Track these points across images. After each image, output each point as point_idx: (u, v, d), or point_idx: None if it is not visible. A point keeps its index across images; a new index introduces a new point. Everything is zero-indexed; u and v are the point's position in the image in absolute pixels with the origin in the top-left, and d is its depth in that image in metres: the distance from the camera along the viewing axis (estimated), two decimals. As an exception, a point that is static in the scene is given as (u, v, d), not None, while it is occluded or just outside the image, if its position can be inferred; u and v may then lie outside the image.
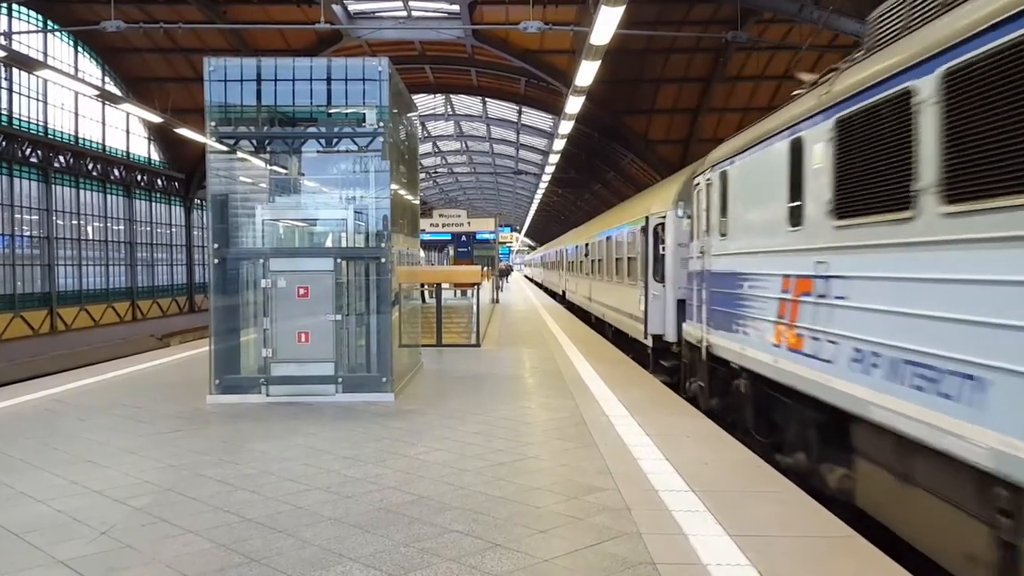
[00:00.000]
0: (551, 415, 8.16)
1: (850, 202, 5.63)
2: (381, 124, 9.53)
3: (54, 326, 28.73)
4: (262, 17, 25.52)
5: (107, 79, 32.49)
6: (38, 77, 26.57)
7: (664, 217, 12.89)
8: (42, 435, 7.36)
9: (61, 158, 29.70)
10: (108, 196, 33.33)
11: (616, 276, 17.68)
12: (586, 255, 24.85)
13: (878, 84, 5.20)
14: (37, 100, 28.56)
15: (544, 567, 4.12)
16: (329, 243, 10.53)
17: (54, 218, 29.07)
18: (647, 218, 13.73)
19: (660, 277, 13.00)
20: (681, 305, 11.81)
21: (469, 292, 22.31)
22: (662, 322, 12.87)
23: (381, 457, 6.42)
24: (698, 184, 10.58)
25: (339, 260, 9.23)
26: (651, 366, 13.21)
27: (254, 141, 10.09)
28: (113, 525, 4.80)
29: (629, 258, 15.79)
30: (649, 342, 13.38)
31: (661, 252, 12.88)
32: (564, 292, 35.23)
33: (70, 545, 4.47)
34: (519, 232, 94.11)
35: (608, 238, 19.36)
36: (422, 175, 51.58)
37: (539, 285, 58.44)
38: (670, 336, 12.61)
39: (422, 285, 15.43)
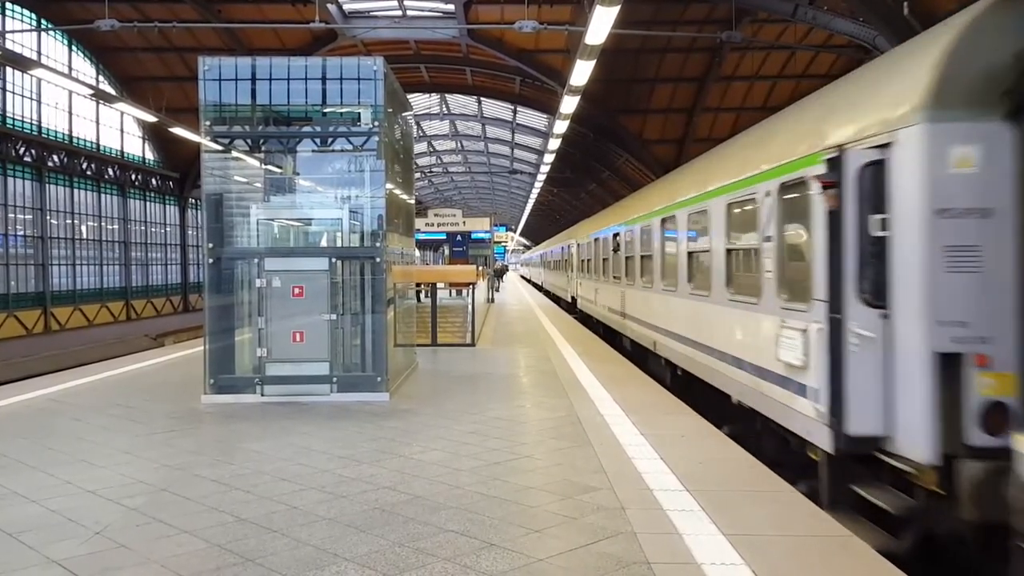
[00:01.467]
0: (546, 415, 8.16)
1: None
2: (376, 123, 9.52)
3: (48, 326, 28.64)
4: (257, 16, 25.48)
5: (101, 78, 32.38)
6: (32, 76, 26.45)
7: (886, 146, 5.53)
8: (36, 435, 7.34)
9: (55, 157, 29.60)
10: (102, 195, 33.23)
11: (693, 287, 10.01)
12: (616, 250, 16.91)
13: None
14: (31, 99, 28.45)
15: (539, 567, 4.13)
16: (324, 242, 10.52)
17: (48, 217, 28.97)
18: (840, 154, 5.87)
19: (874, 295, 5.61)
20: (948, 364, 5.11)
21: (464, 292, 22.30)
22: (879, 407, 5.51)
23: (376, 457, 6.42)
24: None
25: (334, 260, 9.22)
26: (828, 491, 6.02)
27: (249, 140, 10.07)
28: (108, 525, 4.79)
29: (734, 250, 8.50)
30: (826, 443, 5.86)
31: (875, 235, 5.60)
32: (574, 299, 27.50)
33: (64, 545, 4.46)
34: (514, 232, 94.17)
35: (668, 220, 11.56)
36: (417, 174, 51.61)
37: (538, 287, 52.30)
38: (916, 447, 5.18)
39: (417, 285, 15.41)
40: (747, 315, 7.83)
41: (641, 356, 13.68)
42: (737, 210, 8.40)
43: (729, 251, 8.59)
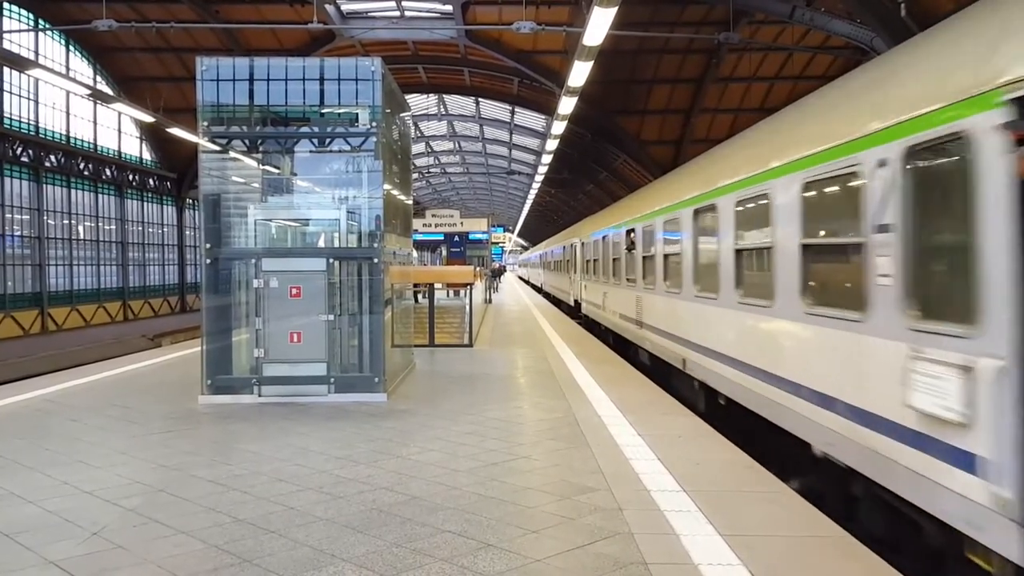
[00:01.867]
0: (544, 415, 8.16)
1: None
2: (374, 124, 9.53)
3: (45, 326, 28.59)
4: (255, 17, 25.46)
5: (99, 78, 32.33)
6: (29, 76, 26.42)
7: None
8: (33, 435, 7.33)
9: (52, 157, 29.56)
10: (99, 196, 33.18)
11: (743, 294, 8.05)
12: (631, 249, 14.60)
13: None
14: (28, 99, 28.41)
15: (536, 567, 4.13)
16: (321, 243, 10.52)
17: (45, 218, 28.93)
18: None
19: None
20: None
21: (462, 292, 22.26)
22: None
23: (373, 457, 6.42)
24: None
25: (331, 260, 9.22)
26: None
27: (246, 141, 10.06)
28: (105, 526, 4.78)
29: (814, 246, 6.46)
30: (1018, 551, 3.75)
31: None
32: (577, 303, 24.90)
33: (61, 546, 4.45)
34: (512, 232, 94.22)
35: (705, 211, 9.49)
36: (415, 175, 51.59)
37: (537, 289, 49.72)
38: None
39: (415, 285, 15.42)
40: (842, 336, 5.63)
41: (662, 373, 11.62)
42: (820, 191, 6.21)
43: (806, 247, 6.34)
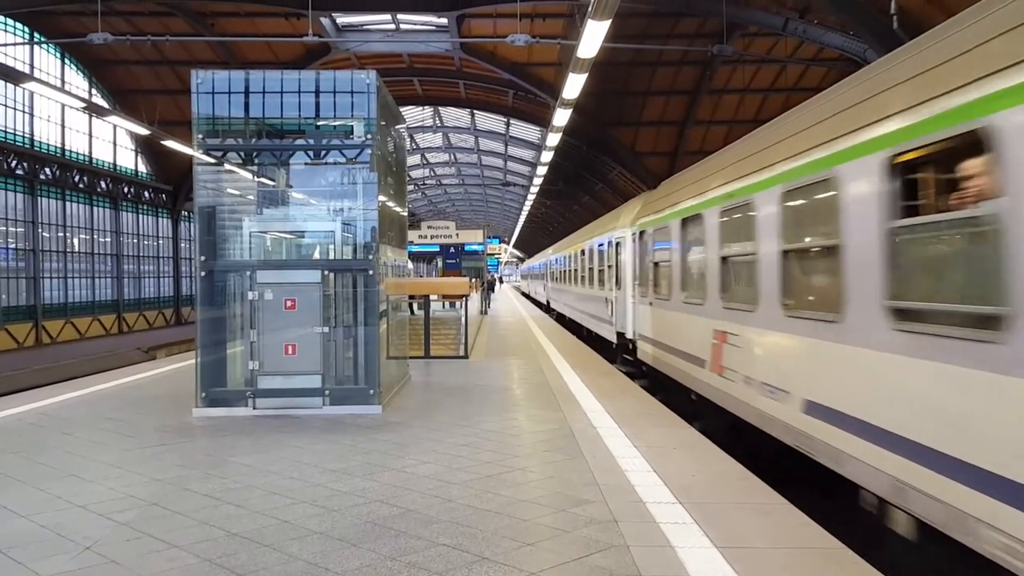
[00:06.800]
0: (539, 427, 8.15)
1: None
2: (369, 136, 9.55)
3: (39, 339, 28.51)
4: (250, 30, 25.54)
5: (94, 91, 32.39)
6: (24, 89, 26.45)
7: None
8: (26, 449, 7.29)
9: (47, 170, 29.57)
10: (95, 208, 33.19)
11: None
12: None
13: None
14: (23, 112, 28.45)
15: (531, 580, 4.12)
16: (317, 255, 10.51)
17: (40, 230, 28.90)
18: None
19: None
20: None
21: (458, 304, 22.24)
22: None
23: (368, 470, 6.40)
24: None
25: (327, 272, 9.21)
26: None
27: (242, 153, 10.08)
28: (97, 540, 4.76)
29: None
30: None
31: None
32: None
33: (54, 561, 4.43)
34: (507, 244, 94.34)
35: None
36: (410, 187, 51.68)
37: (551, 310, 33.52)
38: None
39: (411, 297, 15.42)
40: None
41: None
42: None
43: None
